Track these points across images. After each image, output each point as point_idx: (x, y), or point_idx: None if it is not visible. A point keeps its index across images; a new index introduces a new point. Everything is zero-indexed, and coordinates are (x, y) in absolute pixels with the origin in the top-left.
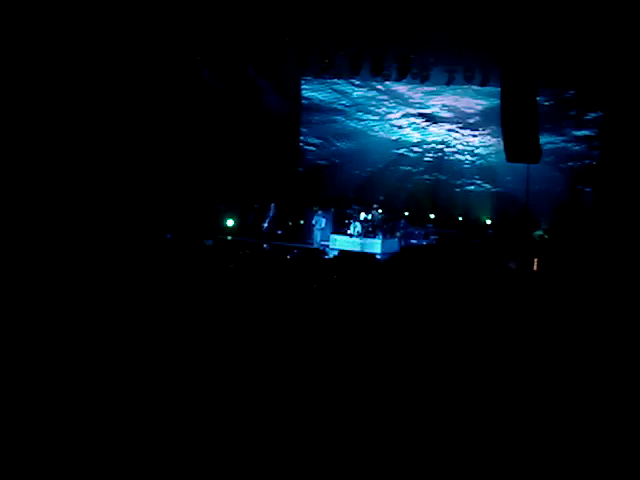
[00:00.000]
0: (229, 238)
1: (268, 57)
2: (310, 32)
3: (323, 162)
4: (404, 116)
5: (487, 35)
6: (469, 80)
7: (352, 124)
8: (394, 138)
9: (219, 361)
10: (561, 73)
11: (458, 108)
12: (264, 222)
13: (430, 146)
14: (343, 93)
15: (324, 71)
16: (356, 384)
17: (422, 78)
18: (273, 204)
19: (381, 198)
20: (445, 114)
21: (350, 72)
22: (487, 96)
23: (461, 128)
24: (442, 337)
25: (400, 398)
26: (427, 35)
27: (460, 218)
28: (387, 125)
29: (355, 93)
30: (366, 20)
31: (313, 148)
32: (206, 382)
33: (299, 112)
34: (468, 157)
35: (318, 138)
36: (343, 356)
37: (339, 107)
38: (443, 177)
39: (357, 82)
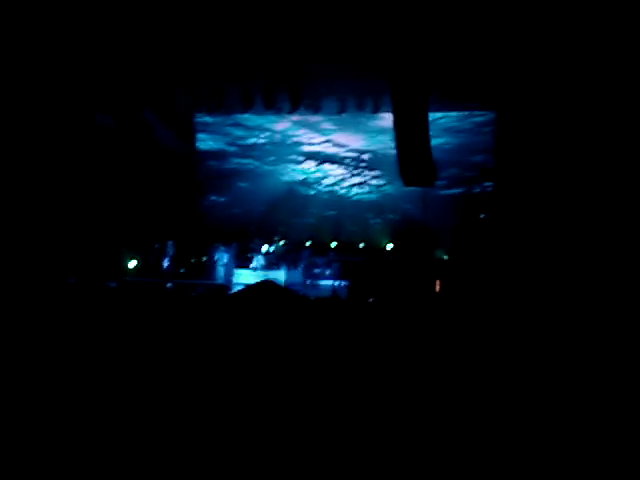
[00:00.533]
0: (132, 279)
1: (160, 96)
2: (200, 69)
3: (223, 199)
4: (300, 154)
5: (376, 62)
6: (361, 108)
7: (249, 165)
8: (291, 177)
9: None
10: (453, 93)
11: (352, 146)
12: (163, 261)
13: (327, 182)
14: (238, 137)
15: (217, 107)
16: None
17: (314, 109)
18: (171, 242)
19: (282, 230)
20: (340, 152)
21: (243, 106)
22: (379, 133)
23: (356, 164)
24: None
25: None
26: (316, 67)
27: (361, 245)
28: (283, 165)
29: (250, 137)
30: (256, 54)
31: (211, 187)
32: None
33: (195, 152)
34: (365, 190)
35: (216, 178)
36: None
37: (235, 150)
38: (343, 211)
39: (251, 125)
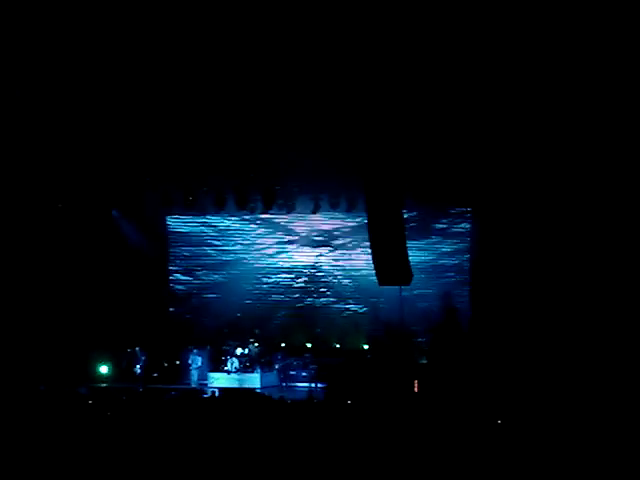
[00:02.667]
0: (103, 385)
1: (130, 198)
2: (171, 171)
3: (194, 300)
4: (274, 243)
5: (350, 162)
6: (335, 207)
7: (221, 256)
8: (264, 265)
9: None
10: (426, 193)
11: (327, 230)
12: (135, 366)
13: (301, 271)
14: (209, 225)
15: (189, 208)
16: None
17: (288, 208)
18: (139, 347)
19: (257, 331)
20: (314, 237)
21: (215, 207)
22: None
23: (331, 250)
24: None
25: None
26: (290, 166)
27: (337, 345)
28: (256, 253)
29: (222, 224)
30: (227, 156)
31: (182, 287)
32: None
33: (166, 252)
34: (340, 279)
35: (187, 275)
36: None
37: (207, 239)
38: (317, 303)
39: (224, 213)
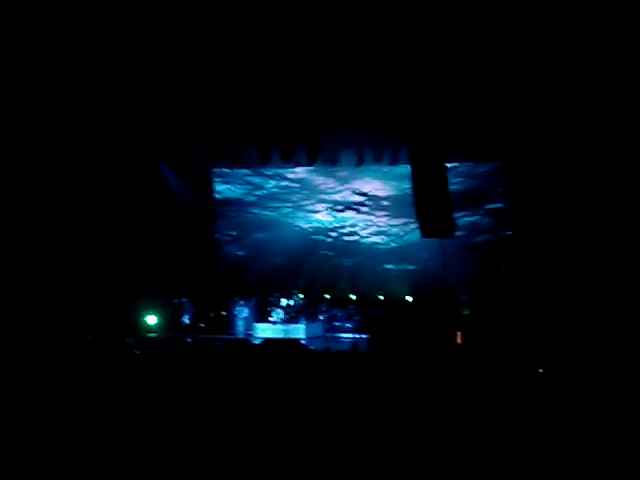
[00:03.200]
0: (151, 335)
1: (177, 151)
2: (217, 124)
3: (241, 252)
4: (318, 202)
5: (393, 115)
6: (379, 160)
7: (267, 213)
8: (309, 225)
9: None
10: (468, 146)
11: (370, 192)
12: (183, 317)
13: (345, 230)
14: (256, 185)
15: (234, 162)
16: None
17: (332, 161)
18: (187, 298)
19: (301, 283)
20: (358, 199)
21: (260, 161)
22: (398, 179)
23: (374, 211)
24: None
25: None
26: (333, 119)
27: (381, 297)
28: (302, 213)
29: (267, 184)
30: (272, 110)
31: (229, 239)
32: None
33: (213, 205)
34: (383, 238)
35: (234, 229)
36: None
37: (252, 199)
38: (361, 260)
39: (268, 173)
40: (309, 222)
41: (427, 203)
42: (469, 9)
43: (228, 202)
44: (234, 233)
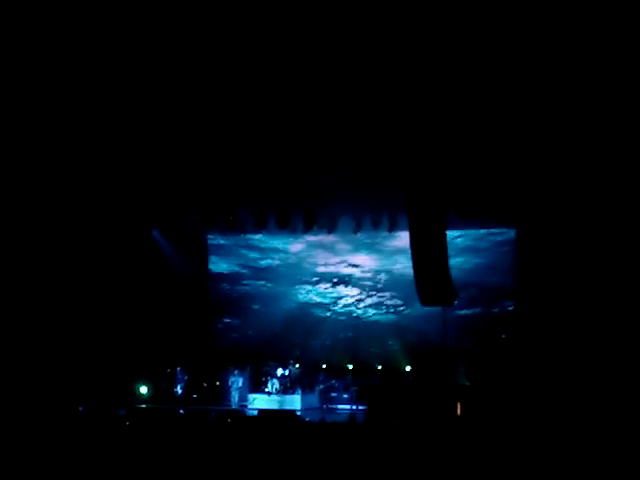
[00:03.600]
0: (143, 406)
1: (171, 218)
2: (213, 191)
3: (236, 322)
4: (316, 277)
5: (391, 181)
6: (377, 226)
7: (262, 286)
8: (308, 297)
9: None
10: (471, 211)
11: (368, 266)
12: (176, 387)
13: (344, 306)
14: (250, 259)
15: (229, 228)
16: None
17: (329, 228)
18: (180, 368)
19: (297, 352)
20: (357, 274)
21: (256, 226)
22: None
23: (371, 284)
24: None
25: None
26: (331, 185)
27: (379, 367)
28: (300, 288)
29: (262, 261)
30: (268, 176)
31: (225, 311)
32: None
33: (207, 273)
34: (382, 313)
35: (230, 299)
36: None
37: (247, 272)
38: (359, 333)
39: (264, 246)
40: (305, 295)
41: (426, 270)
42: (469, 65)
43: (223, 275)
44: (229, 305)
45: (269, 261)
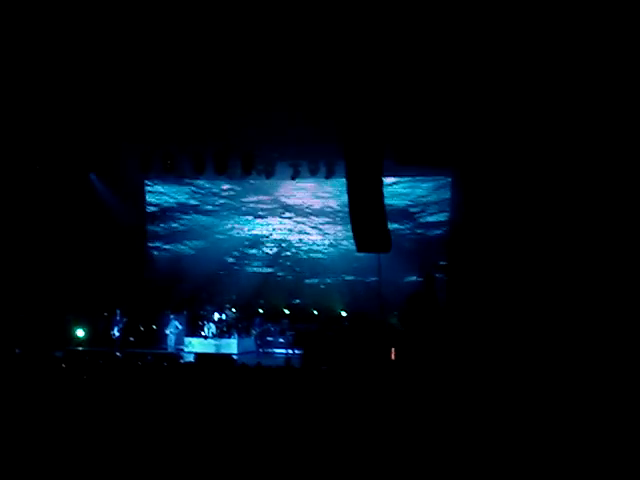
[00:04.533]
0: (80, 349)
1: (108, 162)
2: (149, 135)
3: (173, 264)
4: (255, 210)
5: (329, 126)
6: (314, 173)
7: (200, 221)
8: (245, 233)
9: None
10: (406, 158)
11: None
12: (113, 330)
13: (280, 241)
14: (192, 187)
15: (167, 172)
16: None
17: (267, 174)
18: (119, 310)
19: (233, 297)
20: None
21: (194, 172)
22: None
23: (310, 220)
24: None
25: None
26: (269, 131)
27: (315, 312)
28: (238, 221)
29: (204, 187)
30: (206, 120)
31: (159, 252)
32: None
33: (144, 217)
34: (318, 249)
35: (166, 238)
36: None
37: (189, 203)
38: (295, 272)
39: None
40: (245, 229)
41: (362, 218)
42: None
43: (160, 209)
44: (166, 244)
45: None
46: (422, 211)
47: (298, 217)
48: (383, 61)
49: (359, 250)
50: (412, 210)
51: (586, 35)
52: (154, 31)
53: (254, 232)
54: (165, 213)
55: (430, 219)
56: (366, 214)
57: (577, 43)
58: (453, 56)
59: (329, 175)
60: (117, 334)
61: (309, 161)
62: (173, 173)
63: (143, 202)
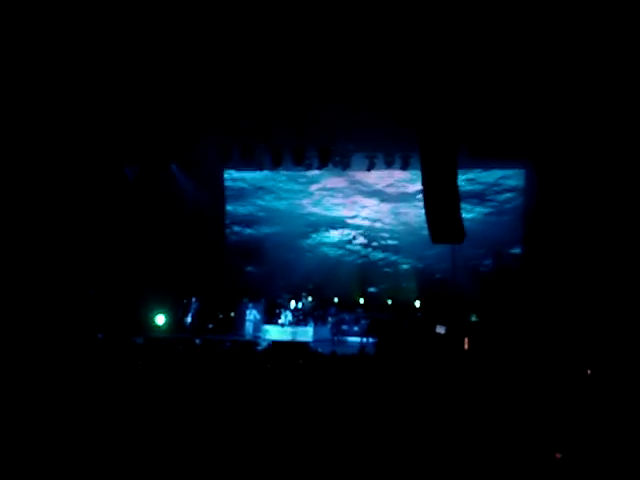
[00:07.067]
0: (160, 335)
1: (189, 152)
2: (231, 126)
3: (251, 249)
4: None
5: (406, 120)
6: (390, 165)
7: (278, 204)
8: (321, 217)
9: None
10: (481, 151)
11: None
12: (187, 316)
13: (356, 227)
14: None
15: (246, 164)
16: None
17: (343, 165)
18: (194, 298)
19: (310, 286)
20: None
21: (272, 164)
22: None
23: (387, 206)
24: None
25: None
26: (346, 123)
27: (389, 301)
28: (317, 206)
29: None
30: (286, 113)
31: (237, 237)
32: None
33: (224, 206)
34: (394, 235)
35: (244, 226)
36: None
37: (267, 185)
38: (372, 258)
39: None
40: (320, 217)
41: (437, 209)
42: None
43: (239, 193)
44: (244, 230)
45: (284, 203)
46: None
47: (374, 202)
48: (459, 56)
49: (434, 241)
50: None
51: None
52: (236, 25)
53: (331, 215)
54: (244, 196)
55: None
56: (441, 205)
57: None
58: (527, 51)
59: (404, 167)
60: (190, 320)
61: (385, 153)
62: (251, 164)
63: (222, 192)
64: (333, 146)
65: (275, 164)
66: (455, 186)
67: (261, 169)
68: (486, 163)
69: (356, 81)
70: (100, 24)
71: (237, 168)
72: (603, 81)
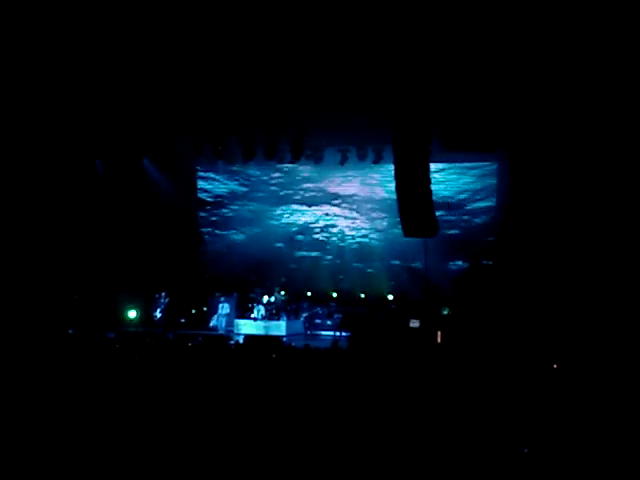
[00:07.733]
0: (131, 329)
1: (161, 146)
2: (201, 119)
3: (224, 249)
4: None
5: (378, 113)
6: (362, 159)
7: (251, 208)
8: (294, 220)
9: None
10: (453, 143)
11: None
12: (155, 311)
13: (328, 227)
14: (243, 177)
15: (218, 157)
16: None
17: (316, 159)
18: (164, 292)
19: (282, 280)
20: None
21: (244, 157)
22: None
23: (357, 207)
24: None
25: None
26: (318, 117)
27: (362, 295)
28: (286, 210)
29: (252, 177)
30: (256, 106)
31: (209, 236)
32: None
33: (196, 201)
34: (365, 234)
35: (217, 225)
36: None
37: (239, 192)
38: (342, 257)
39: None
40: (293, 218)
41: (410, 202)
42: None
43: (211, 198)
44: (215, 230)
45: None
46: (468, 198)
47: (345, 204)
48: (431, 47)
49: (406, 234)
50: (459, 197)
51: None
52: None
53: (303, 219)
54: (216, 200)
55: (476, 205)
56: (413, 198)
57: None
58: (500, 42)
59: (377, 160)
60: (158, 315)
61: (357, 147)
62: (223, 158)
63: (195, 188)
64: (306, 137)
65: (247, 158)
66: (428, 179)
67: (233, 164)
68: (459, 156)
69: (327, 73)
70: (72, 18)
71: (210, 162)
72: (576, 73)
